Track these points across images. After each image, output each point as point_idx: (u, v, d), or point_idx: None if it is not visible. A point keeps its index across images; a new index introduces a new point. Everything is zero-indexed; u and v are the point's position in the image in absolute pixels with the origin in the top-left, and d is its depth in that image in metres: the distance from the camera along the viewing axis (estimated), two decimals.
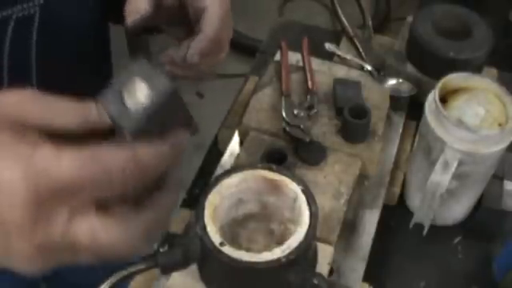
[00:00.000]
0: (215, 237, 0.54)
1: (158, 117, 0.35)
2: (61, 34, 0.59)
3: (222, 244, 0.53)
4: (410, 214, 0.78)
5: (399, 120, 0.86)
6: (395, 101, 0.86)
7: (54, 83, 0.61)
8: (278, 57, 0.89)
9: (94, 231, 0.35)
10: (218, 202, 0.57)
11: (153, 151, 0.35)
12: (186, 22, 0.56)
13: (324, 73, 0.88)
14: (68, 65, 0.62)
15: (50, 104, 0.37)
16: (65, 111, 0.37)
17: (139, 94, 0.34)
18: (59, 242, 0.35)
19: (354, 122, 0.75)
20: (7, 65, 0.56)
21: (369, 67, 0.91)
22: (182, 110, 0.38)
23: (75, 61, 0.63)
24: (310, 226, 0.55)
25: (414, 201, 0.79)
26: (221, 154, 0.83)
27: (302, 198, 0.58)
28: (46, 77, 0.59)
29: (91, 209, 0.35)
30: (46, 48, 0.58)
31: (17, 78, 0.57)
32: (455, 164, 0.68)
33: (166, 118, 0.36)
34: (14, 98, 0.36)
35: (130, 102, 0.34)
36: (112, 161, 0.34)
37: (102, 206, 0.35)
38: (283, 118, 0.78)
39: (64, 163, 0.33)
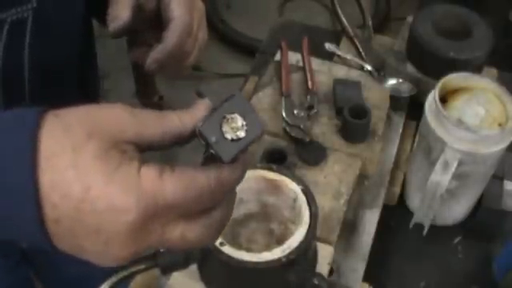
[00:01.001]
0: None
1: (246, 149, 0.41)
2: (52, 36, 0.61)
3: (221, 244, 0.53)
4: (410, 213, 0.78)
5: (399, 120, 0.87)
6: (395, 101, 0.86)
7: (44, 84, 0.62)
8: (278, 57, 0.89)
9: (183, 234, 0.40)
10: None
11: (234, 174, 0.41)
12: (162, 28, 0.58)
13: (324, 73, 0.88)
14: (58, 66, 0.64)
15: (139, 117, 0.40)
16: (151, 123, 0.40)
17: (238, 128, 0.40)
18: (154, 247, 0.40)
19: (354, 122, 0.75)
20: (1, 66, 0.58)
21: (369, 67, 0.91)
22: None
23: (64, 63, 0.66)
24: (309, 226, 0.55)
25: (414, 201, 0.79)
26: None
27: (302, 198, 0.58)
28: (37, 78, 0.61)
29: (181, 218, 0.40)
30: (37, 50, 0.60)
31: (10, 78, 0.59)
32: (455, 164, 0.68)
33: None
34: (112, 115, 0.39)
35: (228, 135, 0.39)
36: (204, 184, 0.39)
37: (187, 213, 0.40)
38: (283, 118, 0.78)
39: (168, 188, 0.38)
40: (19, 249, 0.88)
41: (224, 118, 0.39)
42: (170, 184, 0.38)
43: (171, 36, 0.56)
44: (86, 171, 0.37)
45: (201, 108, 0.41)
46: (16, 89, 0.61)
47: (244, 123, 0.40)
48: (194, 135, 0.40)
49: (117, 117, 0.39)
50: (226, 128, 0.39)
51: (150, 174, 0.38)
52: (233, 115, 0.40)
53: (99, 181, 0.37)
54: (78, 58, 0.68)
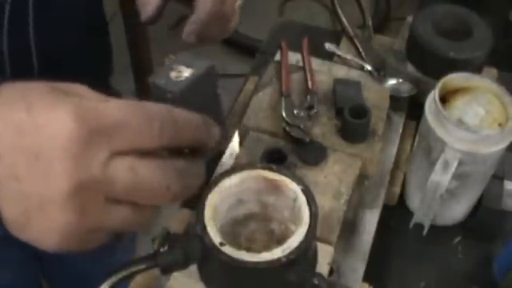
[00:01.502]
0: (215, 237, 0.54)
1: (196, 91, 0.43)
2: (57, 14, 0.60)
3: (221, 244, 0.53)
4: (410, 213, 0.78)
5: (399, 120, 0.86)
6: (395, 101, 0.86)
7: (54, 62, 0.61)
8: (278, 57, 0.89)
9: (133, 166, 0.37)
10: (218, 202, 0.57)
11: (188, 116, 0.39)
12: None
13: (324, 73, 0.88)
14: (67, 41, 0.61)
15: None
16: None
17: (183, 71, 0.43)
18: (98, 177, 0.36)
19: (354, 122, 0.75)
20: (7, 48, 0.56)
21: (369, 67, 0.91)
22: (217, 100, 0.47)
23: (74, 37, 0.63)
24: (309, 226, 0.55)
25: (414, 201, 0.79)
26: (221, 154, 0.83)
27: (302, 198, 0.58)
28: (47, 56, 0.60)
29: (131, 152, 0.37)
30: (43, 25, 0.58)
31: (18, 59, 0.58)
32: (455, 164, 0.68)
33: (202, 97, 0.43)
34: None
35: (174, 76, 0.42)
36: (153, 110, 0.37)
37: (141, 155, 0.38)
38: (283, 118, 0.78)
39: (111, 105, 0.36)
40: None
41: (171, 69, 0.43)
42: (113, 103, 0.36)
43: (203, 3, 0.52)
44: (28, 95, 0.36)
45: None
46: (24, 72, 0.59)
47: (191, 70, 0.43)
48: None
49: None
50: (173, 74, 0.43)
51: (94, 95, 0.37)
52: (180, 66, 0.43)
53: (42, 100, 0.36)
54: (87, 36, 0.65)
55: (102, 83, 0.76)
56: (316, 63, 0.89)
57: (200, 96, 0.44)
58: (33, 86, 0.37)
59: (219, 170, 0.79)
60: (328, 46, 0.95)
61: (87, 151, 0.35)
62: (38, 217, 0.37)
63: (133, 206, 0.39)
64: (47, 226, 0.37)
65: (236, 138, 0.83)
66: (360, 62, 0.92)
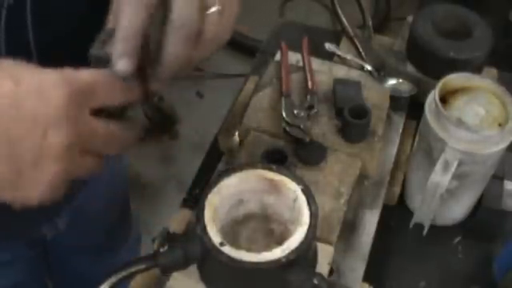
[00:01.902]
0: (215, 237, 0.54)
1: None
2: (56, 12, 0.59)
3: (221, 244, 0.53)
4: (410, 213, 0.78)
5: (399, 120, 0.86)
6: (395, 101, 0.86)
7: (56, 63, 0.59)
8: (278, 57, 0.89)
9: (107, 124, 0.47)
10: (218, 202, 0.57)
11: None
12: None
13: (324, 73, 0.88)
14: (68, 41, 0.60)
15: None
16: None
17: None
18: (85, 131, 0.44)
19: (354, 122, 0.75)
20: (5, 53, 0.56)
21: (369, 67, 0.90)
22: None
23: (75, 34, 0.60)
24: (309, 225, 0.55)
25: (414, 201, 0.79)
26: (221, 154, 0.83)
27: (302, 198, 0.58)
28: (48, 58, 0.58)
29: (104, 112, 0.47)
30: (42, 29, 0.57)
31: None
32: (455, 164, 0.68)
33: None
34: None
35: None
36: (105, 77, 0.46)
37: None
38: (283, 118, 0.78)
39: (83, 72, 0.45)
40: (43, 239, 0.88)
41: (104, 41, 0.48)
42: (84, 71, 0.45)
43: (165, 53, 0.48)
44: (15, 71, 0.43)
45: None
46: None
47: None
48: None
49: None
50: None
51: (66, 68, 0.45)
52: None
53: (28, 73, 0.43)
54: (90, 24, 0.65)
55: None
56: (316, 63, 0.89)
57: None
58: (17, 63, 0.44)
59: (219, 169, 0.79)
60: (328, 46, 0.95)
61: (75, 110, 0.43)
62: (31, 172, 0.43)
63: (99, 155, 0.48)
64: (39, 179, 0.43)
65: (236, 138, 0.83)
66: (360, 62, 0.92)
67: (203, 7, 0.47)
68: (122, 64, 0.46)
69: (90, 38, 0.62)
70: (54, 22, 0.58)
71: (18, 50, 0.55)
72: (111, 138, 0.48)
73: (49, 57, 0.57)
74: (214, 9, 0.47)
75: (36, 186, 0.43)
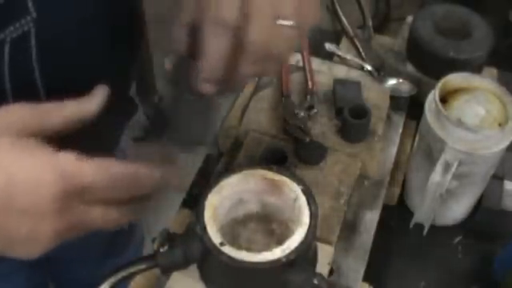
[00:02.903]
0: (215, 237, 0.54)
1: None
2: (62, 45, 0.55)
3: (221, 244, 0.53)
4: (410, 213, 0.78)
5: (399, 120, 0.86)
6: (395, 101, 0.86)
7: (62, 95, 0.57)
8: None
9: (105, 215, 0.46)
10: (218, 202, 0.57)
11: (148, 173, 0.47)
12: None
13: (324, 73, 0.88)
14: (77, 77, 0.57)
15: (40, 109, 0.46)
16: (52, 113, 0.46)
17: None
18: (75, 223, 0.44)
19: (353, 122, 0.75)
20: (11, 89, 0.53)
21: (369, 67, 0.91)
22: None
23: (84, 71, 0.59)
24: (310, 225, 0.55)
25: (414, 201, 0.79)
26: (221, 154, 0.83)
27: (302, 198, 0.58)
28: (55, 94, 0.56)
29: (101, 201, 0.46)
30: (48, 64, 0.55)
31: (24, 100, 0.53)
32: (455, 164, 0.67)
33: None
34: (14, 113, 0.45)
35: None
36: (118, 172, 0.45)
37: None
38: (283, 117, 0.78)
39: (85, 169, 0.43)
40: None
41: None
42: (86, 167, 0.44)
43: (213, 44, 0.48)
44: (5, 162, 0.42)
45: (98, 94, 0.49)
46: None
47: None
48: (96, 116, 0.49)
49: (18, 114, 0.45)
50: None
51: (69, 156, 0.43)
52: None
53: (20, 166, 0.42)
54: (101, 60, 0.61)
55: (121, 95, 0.74)
56: (316, 63, 0.89)
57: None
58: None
59: (219, 169, 0.79)
60: (328, 46, 0.95)
61: (68, 204, 0.43)
62: (23, 247, 0.44)
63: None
64: (31, 250, 0.44)
65: (236, 138, 0.83)
66: (360, 62, 0.92)
67: (276, 26, 0.47)
68: (207, 88, 0.49)
69: (97, 69, 0.61)
70: (58, 54, 0.56)
71: (23, 83, 0.54)
72: (106, 223, 0.47)
73: (55, 89, 0.55)
74: (286, 23, 0.47)
75: (29, 253, 0.45)
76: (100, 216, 0.46)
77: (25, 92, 0.54)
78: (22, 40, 0.51)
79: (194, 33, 0.48)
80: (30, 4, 0.50)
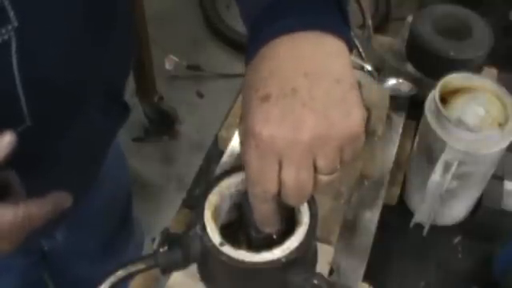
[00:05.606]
0: (215, 237, 0.54)
1: None
2: (45, 55, 0.54)
3: (221, 244, 0.53)
4: (410, 213, 0.78)
5: (399, 120, 0.86)
6: (395, 101, 0.86)
7: (46, 109, 0.56)
8: None
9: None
10: (218, 202, 0.57)
11: (40, 213, 0.50)
12: None
13: None
14: (61, 86, 0.57)
15: None
16: None
17: None
18: None
19: None
20: None
21: (369, 67, 0.90)
22: None
23: (69, 80, 0.58)
24: (309, 226, 0.55)
25: (414, 201, 0.79)
26: (221, 154, 0.83)
27: None
28: (37, 104, 0.55)
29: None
30: (30, 73, 0.53)
31: (5, 108, 0.53)
32: (455, 164, 0.67)
33: None
34: None
35: None
36: (8, 221, 0.48)
37: None
38: None
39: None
40: (40, 249, 0.88)
41: None
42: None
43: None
44: None
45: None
46: (13, 115, 0.55)
47: None
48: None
49: None
50: None
51: None
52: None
53: None
54: (84, 73, 0.60)
55: (115, 98, 0.74)
56: None
57: None
58: None
59: (219, 170, 0.79)
60: None
61: None
62: None
63: None
64: None
65: (236, 138, 0.83)
66: (360, 62, 0.92)
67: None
68: (268, 230, 0.54)
69: (82, 78, 0.60)
70: (41, 63, 0.54)
71: (3, 90, 0.52)
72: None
73: (37, 97, 0.55)
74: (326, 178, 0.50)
75: None
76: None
77: (5, 99, 0.53)
78: (2, 47, 0.50)
79: None
80: (11, 14, 0.48)
